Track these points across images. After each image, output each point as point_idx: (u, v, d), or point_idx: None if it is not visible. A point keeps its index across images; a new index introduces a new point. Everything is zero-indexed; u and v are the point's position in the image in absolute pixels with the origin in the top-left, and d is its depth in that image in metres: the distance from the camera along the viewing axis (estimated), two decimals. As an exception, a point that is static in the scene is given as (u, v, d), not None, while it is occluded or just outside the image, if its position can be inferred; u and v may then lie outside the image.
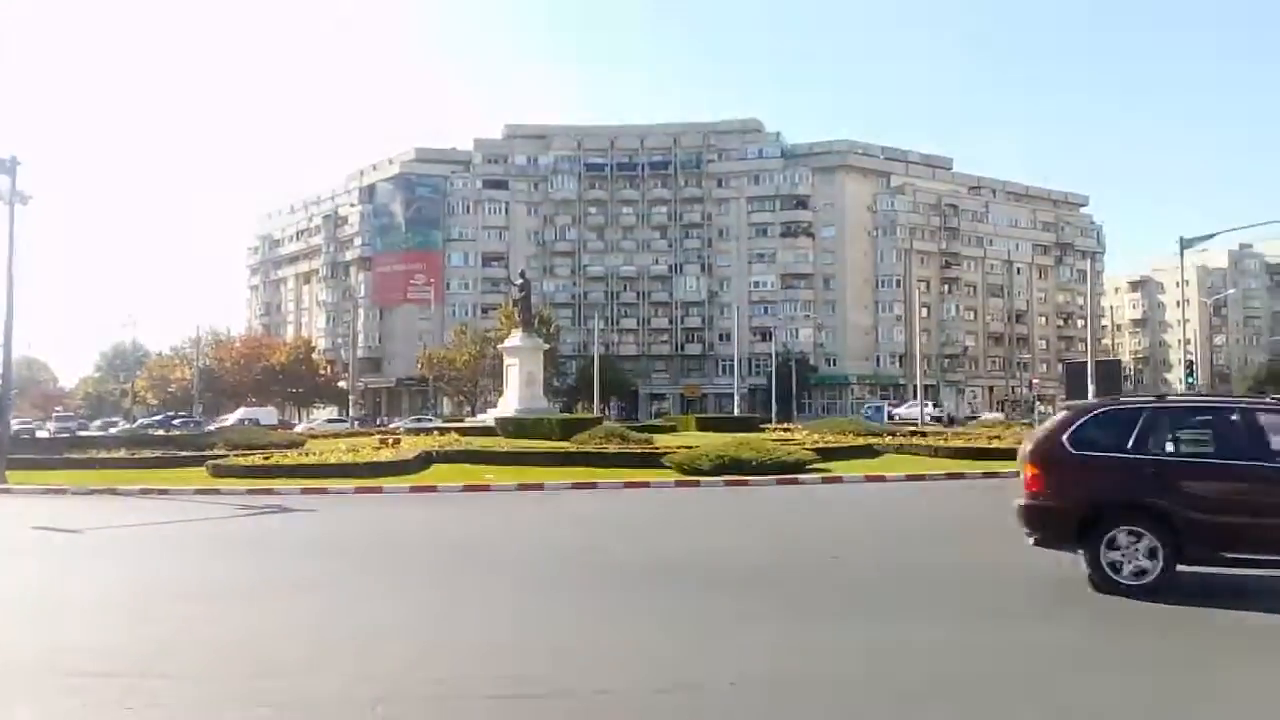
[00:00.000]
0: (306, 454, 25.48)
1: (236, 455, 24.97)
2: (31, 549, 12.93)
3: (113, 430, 56.06)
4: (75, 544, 13.26)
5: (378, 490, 19.89)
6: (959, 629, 7.26)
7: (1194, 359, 54.55)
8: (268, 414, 64.77)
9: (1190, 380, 40.47)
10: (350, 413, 75.36)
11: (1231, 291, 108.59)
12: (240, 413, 64.11)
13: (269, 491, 19.66)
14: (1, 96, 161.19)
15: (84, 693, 5.67)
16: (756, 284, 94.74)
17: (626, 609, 8.20)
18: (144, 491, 20.02)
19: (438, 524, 15.58)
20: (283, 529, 14.92)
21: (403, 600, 8.63)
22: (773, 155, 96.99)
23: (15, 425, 44.15)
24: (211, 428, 51.36)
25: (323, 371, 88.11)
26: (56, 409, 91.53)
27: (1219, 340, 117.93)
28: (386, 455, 24.34)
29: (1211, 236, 39.88)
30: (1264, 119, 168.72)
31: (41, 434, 49.86)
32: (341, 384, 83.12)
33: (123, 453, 26.85)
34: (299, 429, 49.66)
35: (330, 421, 67.64)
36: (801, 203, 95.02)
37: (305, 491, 19.61)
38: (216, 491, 19.91)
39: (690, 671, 6.06)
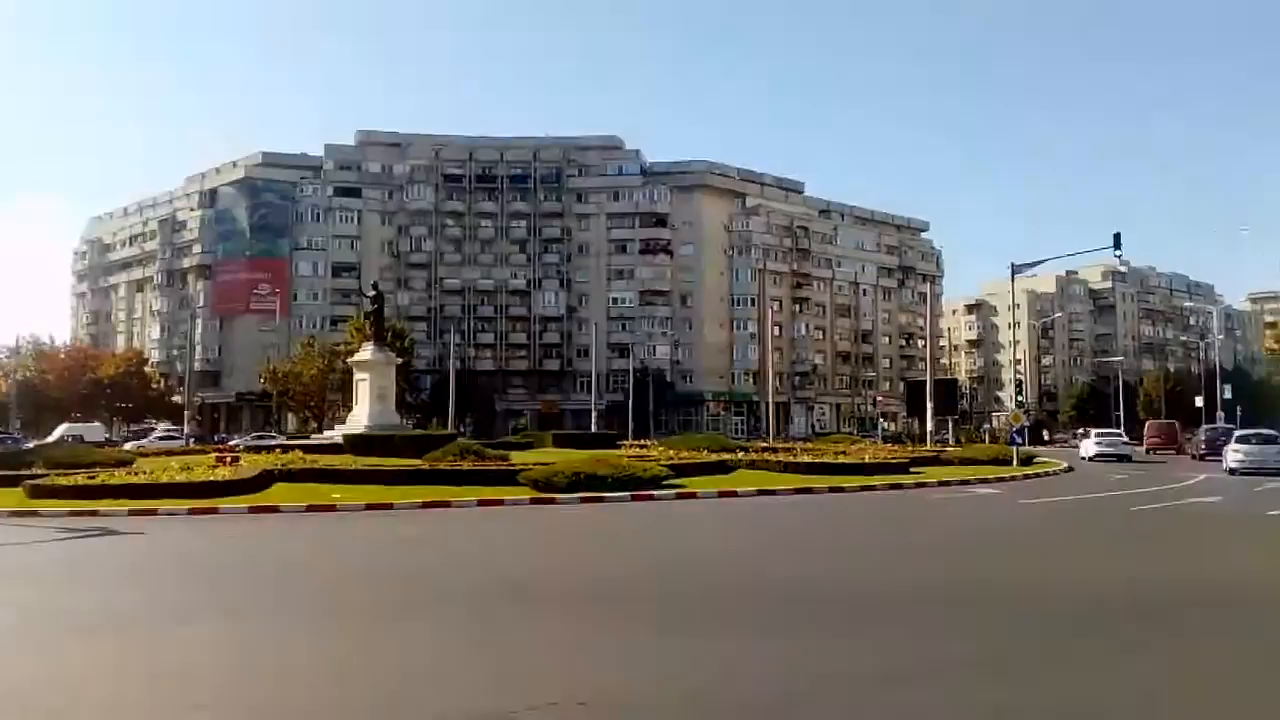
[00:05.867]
0: (136, 473, 23.84)
1: (57, 475, 23.08)
2: None
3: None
4: None
5: (213, 511, 18.85)
6: (801, 641, 7.43)
7: (1024, 379, 58.51)
8: (94, 430, 60.45)
9: (1020, 399, 43.19)
10: (185, 429, 71.06)
11: (1058, 315, 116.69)
12: (63, 429, 59.56)
13: (93, 513, 18.31)
14: None
15: None
16: (615, 300, 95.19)
17: (477, 632, 8.01)
18: (-53, 515, 18.27)
19: (268, 546, 14.88)
20: (101, 553, 13.90)
21: (229, 629, 8.18)
22: (633, 173, 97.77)
23: None
24: (31, 445, 47.60)
25: (156, 385, 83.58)
26: None
27: (1047, 361, 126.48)
28: (223, 474, 23.02)
29: (1040, 263, 43.10)
30: (1088, 155, 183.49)
31: None
32: (177, 399, 78.48)
33: (-76, 473, 24.39)
34: (128, 446, 46.59)
35: (163, 439, 63.55)
36: (661, 220, 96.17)
37: (133, 513, 18.37)
38: (34, 514, 18.45)
39: (540, 692, 5.94)
